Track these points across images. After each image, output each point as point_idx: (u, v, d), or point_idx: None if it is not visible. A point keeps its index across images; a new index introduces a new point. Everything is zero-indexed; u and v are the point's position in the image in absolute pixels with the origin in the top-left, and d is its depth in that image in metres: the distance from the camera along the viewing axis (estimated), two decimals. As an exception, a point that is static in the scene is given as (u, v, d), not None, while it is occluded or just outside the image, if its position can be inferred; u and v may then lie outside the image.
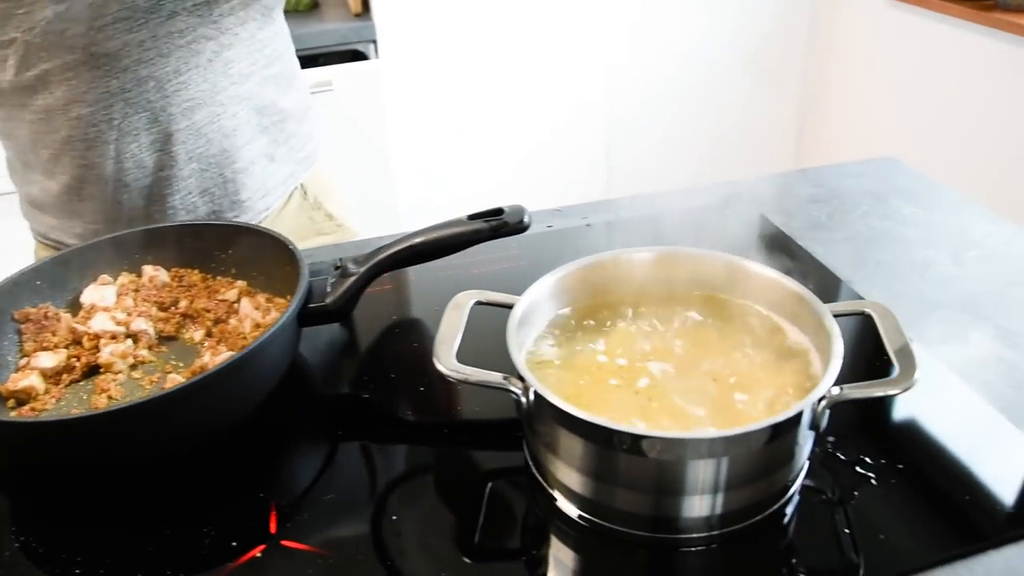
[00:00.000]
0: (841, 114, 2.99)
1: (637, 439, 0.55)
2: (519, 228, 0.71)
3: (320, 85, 2.04)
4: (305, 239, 1.18)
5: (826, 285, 0.89)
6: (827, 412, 0.58)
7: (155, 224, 0.91)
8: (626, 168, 2.96)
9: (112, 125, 0.96)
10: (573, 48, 2.68)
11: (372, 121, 2.17)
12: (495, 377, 0.61)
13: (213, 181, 1.05)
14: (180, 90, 0.98)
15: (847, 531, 0.60)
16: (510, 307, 0.66)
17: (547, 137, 2.79)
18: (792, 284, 0.68)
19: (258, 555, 0.60)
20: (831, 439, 0.68)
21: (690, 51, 2.83)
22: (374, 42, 2.09)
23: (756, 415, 0.61)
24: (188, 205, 1.05)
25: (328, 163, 1.25)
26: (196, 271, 0.88)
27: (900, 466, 0.65)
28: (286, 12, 1.12)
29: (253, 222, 1.10)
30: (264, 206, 1.12)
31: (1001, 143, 2.34)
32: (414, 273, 0.95)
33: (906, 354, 0.60)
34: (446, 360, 0.61)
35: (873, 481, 0.64)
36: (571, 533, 0.61)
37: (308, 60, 2.07)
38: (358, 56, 2.10)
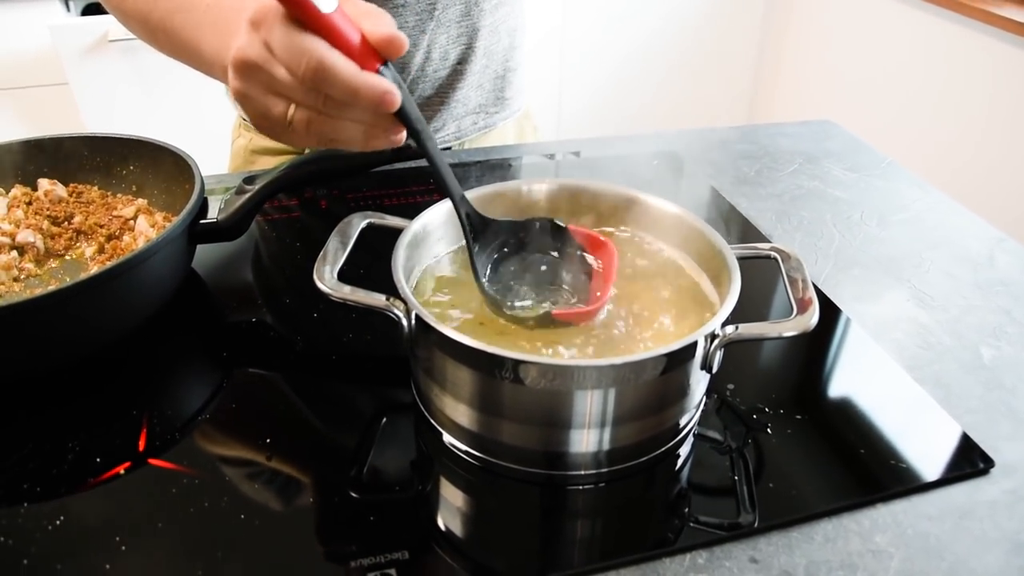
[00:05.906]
0: (795, 78, 3.00)
1: (520, 366, 0.52)
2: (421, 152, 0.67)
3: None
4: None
5: (745, 237, 0.87)
6: (720, 352, 0.56)
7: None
8: (576, 114, 2.94)
9: (433, 16, 0.98)
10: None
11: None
12: (377, 298, 0.58)
13: (488, 76, 1.09)
14: None
15: (736, 478, 0.59)
16: None
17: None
18: (698, 222, 0.66)
19: (122, 472, 0.57)
20: (730, 387, 0.66)
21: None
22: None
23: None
24: (464, 98, 1.07)
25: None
26: (95, 187, 0.84)
27: (798, 417, 0.64)
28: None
29: (508, 119, 1.15)
30: (518, 105, 1.17)
31: (950, 120, 2.36)
32: (327, 202, 0.91)
33: (806, 297, 0.59)
34: (326, 278, 0.58)
35: (769, 430, 0.62)
36: (457, 470, 0.59)
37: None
38: None
